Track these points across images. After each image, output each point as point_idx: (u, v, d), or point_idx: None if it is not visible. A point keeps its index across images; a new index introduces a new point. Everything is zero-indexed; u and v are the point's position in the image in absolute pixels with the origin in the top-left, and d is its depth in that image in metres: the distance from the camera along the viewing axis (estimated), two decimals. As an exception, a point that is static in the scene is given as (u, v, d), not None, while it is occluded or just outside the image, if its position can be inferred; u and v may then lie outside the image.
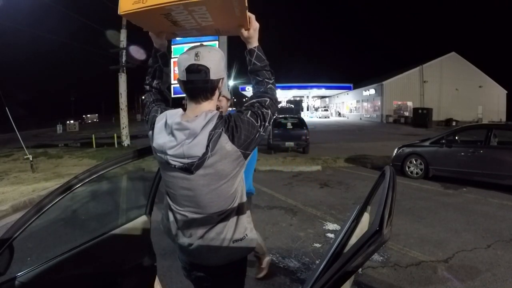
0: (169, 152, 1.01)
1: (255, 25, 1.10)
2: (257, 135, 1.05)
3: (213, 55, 1.04)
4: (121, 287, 1.56)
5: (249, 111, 1.06)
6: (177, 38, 10.37)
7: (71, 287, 1.39)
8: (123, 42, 12.79)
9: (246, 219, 1.17)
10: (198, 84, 1.03)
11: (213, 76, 1.03)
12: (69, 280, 1.38)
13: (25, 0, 12.22)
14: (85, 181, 1.28)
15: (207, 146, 0.98)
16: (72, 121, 33.48)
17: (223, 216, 1.09)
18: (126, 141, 13.06)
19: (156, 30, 1.20)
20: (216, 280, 1.18)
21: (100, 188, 5.81)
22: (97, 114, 57.54)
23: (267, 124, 1.08)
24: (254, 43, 1.13)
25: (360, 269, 2.22)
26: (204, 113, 1.01)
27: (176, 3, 0.91)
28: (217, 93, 1.09)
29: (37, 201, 1.33)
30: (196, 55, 1.02)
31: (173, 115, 1.06)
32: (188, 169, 1.01)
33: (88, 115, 55.72)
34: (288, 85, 36.78)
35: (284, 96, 40.92)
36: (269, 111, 1.09)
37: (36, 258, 2.97)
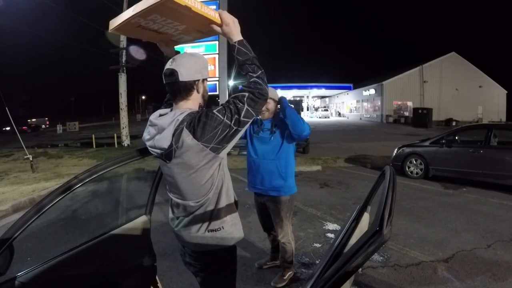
0: (147, 143, 1.21)
1: (226, 21, 1.13)
2: (226, 130, 1.10)
3: (185, 59, 1.16)
4: (121, 287, 1.56)
5: (219, 107, 1.13)
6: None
7: (71, 287, 1.39)
8: (123, 42, 12.80)
9: (227, 214, 1.25)
10: (172, 87, 1.17)
11: (183, 78, 1.14)
12: (69, 280, 1.37)
13: (25, 0, 12.22)
14: (85, 181, 1.28)
15: (172, 139, 1.10)
16: (8, 128, 24.38)
17: (199, 204, 1.20)
18: (126, 141, 13.07)
19: (152, 39, 1.30)
20: (202, 268, 1.31)
21: (100, 188, 5.81)
22: (46, 118, 36.79)
23: (242, 118, 1.11)
24: (234, 37, 1.16)
25: (360, 269, 2.23)
26: (174, 111, 1.16)
27: (133, 16, 1.03)
28: (194, 93, 1.19)
29: (37, 201, 1.33)
30: (172, 60, 1.17)
31: (154, 114, 1.21)
32: (164, 158, 1.16)
33: (34, 119, 34.72)
34: (288, 85, 36.82)
35: (284, 96, 40.86)
36: (245, 106, 1.12)
37: (36, 258, 2.97)
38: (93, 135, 14.07)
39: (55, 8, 11.73)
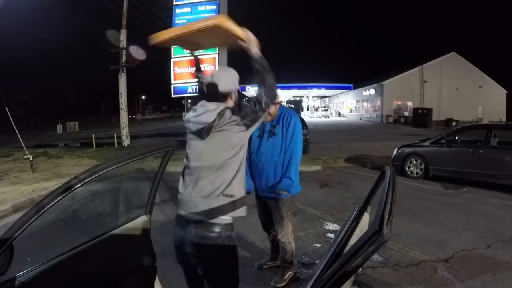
0: (191, 119, 1.49)
1: (250, 38, 1.52)
2: (253, 114, 1.48)
3: (223, 74, 1.56)
4: (121, 287, 1.56)
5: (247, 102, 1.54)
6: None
7: (71, 287, 1.39)
8: (123, 42, 12.78)
9: (239, 185, 1.47)
10: (213, 95, 1.52)
11: (222, 89, 1.50)
12: (69, 280, 1.38)
13: (25, 0, 12.22)
14: (85, 181, 1.28)
15: (216, 116, 1.43)
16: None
17: (222, 164, 1.42)
18: (126, 141, 13.07)
19: (181, 45, 1.78)
20: (205, 256, 1.43)
21: (100, 188, 5.80)
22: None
23: (262, 107, 1.50)
24: (253, 51, 1.52)
25: (360, 269, 2.23)
26: (216, 103, 1.51)
27: (180, 34, 1.47)
28: (229, 99, 1.55)
29: (37, 201, 1.33)
30: (212, 75, 1.54)
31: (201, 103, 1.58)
32: (203, 131, 1.43)
33: None
34: (288, 85, 36.78)
35: (284, 96, 40.92)
36: (263, 103, 1.50)
37: (36, 258, 2.96)
38: (93, 135, 14.07)
39: (55, 8, 11.73)
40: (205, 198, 1.40)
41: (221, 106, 1.47)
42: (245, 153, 1.52)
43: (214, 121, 1.42)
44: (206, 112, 1.45)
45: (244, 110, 1.46)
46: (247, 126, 1.47)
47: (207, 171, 1.43)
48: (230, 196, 1.42)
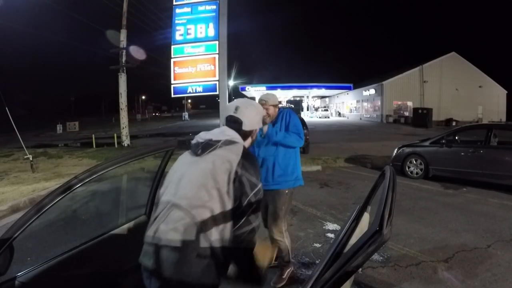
0: (201, 134, 1.29)
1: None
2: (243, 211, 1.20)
3: (248, 111, 1.34)
4: (121, 287, 1.56)
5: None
6: (177, 39, 10.30)
7: (71, 287, 1.39)
8: (123, 42, 12.78)
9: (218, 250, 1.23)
10: (235, 129, 1.31)
11: (246, 127, 1.33)
12: (69, 280, 1.37)
13: (25, 0, 12.22)
14: (85, 181, 1.28)
15: (223, 138, 1.25)
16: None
17: (194, 212, 1.18)
18: (126, 141, 13.06)
19: None
20: None
21: (100, 188, 5.80)
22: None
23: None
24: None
25: (360, 269, 2.22)
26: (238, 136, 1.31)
27: None
28: (249, 138, 1.37)
29: (37, 201, 1.33)
30: (236, 108, 1.34)
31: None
32: (200, 147, 1.23)
33: None
34: (288, 85, 36.74)
35: (284, 96, 40.89)
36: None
37: (36, 258, 2.96)
38: (93, 135, 14.07)
39: (55, 8, 11.73)
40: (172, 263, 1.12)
41: (239, 142, 1.26)
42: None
43: (217, 141, 1.22)
44: (221, 132, 1.27)
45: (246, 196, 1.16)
46: (234, 199, 1.16)
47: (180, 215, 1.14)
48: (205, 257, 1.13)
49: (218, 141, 1.21)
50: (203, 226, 1.10)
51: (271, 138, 2.37)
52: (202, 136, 1.26)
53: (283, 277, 2.55)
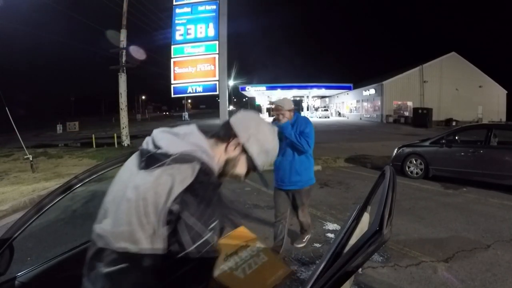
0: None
1: None
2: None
3: (262, 130, 0.98)
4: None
5: None
6: (177, 39, 10.30)
7: (71, 287, 1.39)
8: (123, 42, 12.79)
9: None
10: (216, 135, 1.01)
11: (242, 139, 0.95)
12: (69, 280, 1.37)
13: (25, 0, 12.22)
14: (85, 181, 1.28)
15: (179, 153, 0.86)
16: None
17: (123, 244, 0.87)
18: (126, 141, 13.07)
19: None
20: None
21: (100, 188, 5.80)
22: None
23: None
24: None
25: (360, 269, 2.23)
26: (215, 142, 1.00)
27: None
28: (233, 148, 0.96)
29: (37, 201, 1.33)
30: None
31: None
32: (145, 157, 0.85)
33: None
34: (288, 85, 36.71)
35: (284, 96, 40.85)
36: None
37: (36, 258, 2.96)
38: (93, 135, 14.07)
39: (55, 8, 11.73)
40: None
41: (199, 159, 0.80)
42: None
43: (169, 155, 0.79)
44: (182, 137, 0.86)
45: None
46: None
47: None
48: None
49: (168, 156, 0.79)
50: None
51: (284, 131, 2.61)
52: (155, 139, 0.85)
53: (303, 240, 3.23)
